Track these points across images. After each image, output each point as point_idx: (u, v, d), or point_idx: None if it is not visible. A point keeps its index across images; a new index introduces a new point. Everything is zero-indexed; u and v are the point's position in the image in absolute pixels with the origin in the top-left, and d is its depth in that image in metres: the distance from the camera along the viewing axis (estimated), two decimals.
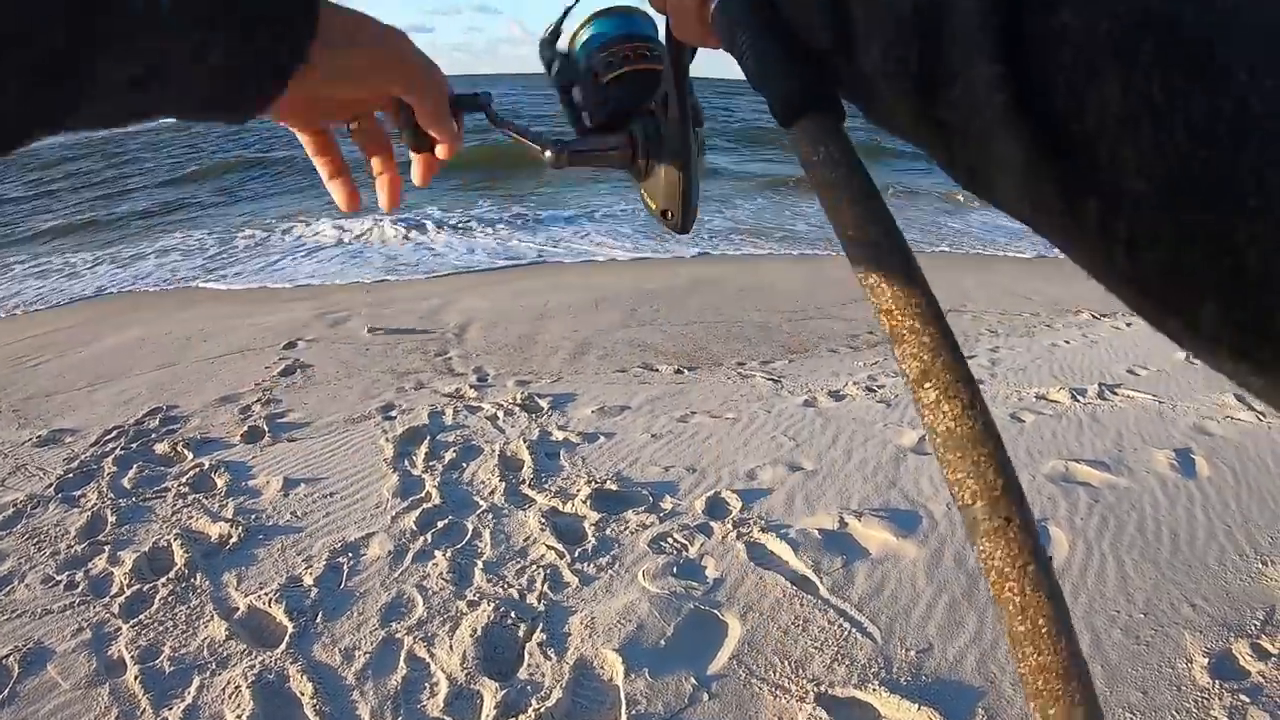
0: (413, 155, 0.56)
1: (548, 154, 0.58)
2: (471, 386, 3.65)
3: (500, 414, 3.24)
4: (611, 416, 3.22)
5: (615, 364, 4.05)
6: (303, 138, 0.55)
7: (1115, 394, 3.58)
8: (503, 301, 5.40)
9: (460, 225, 8.55)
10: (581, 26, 0.61)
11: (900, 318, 0.29)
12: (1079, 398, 3.49)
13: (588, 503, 2.48)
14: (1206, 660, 1.90)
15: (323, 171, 0.57)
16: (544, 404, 3.36)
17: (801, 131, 0.34)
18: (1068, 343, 4.54)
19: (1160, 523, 2.46)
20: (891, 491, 2.57)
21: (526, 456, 2.81)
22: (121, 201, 11.59)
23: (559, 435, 3.01)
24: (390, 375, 3.87)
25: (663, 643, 1.89)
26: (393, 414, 3.27)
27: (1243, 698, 1.81)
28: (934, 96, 0.27)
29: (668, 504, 2.50)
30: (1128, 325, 5.11)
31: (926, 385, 0.28)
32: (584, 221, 8.92)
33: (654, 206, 0.61)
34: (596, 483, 2.61)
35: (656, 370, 3.93)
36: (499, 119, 0.59)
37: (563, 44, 0.63)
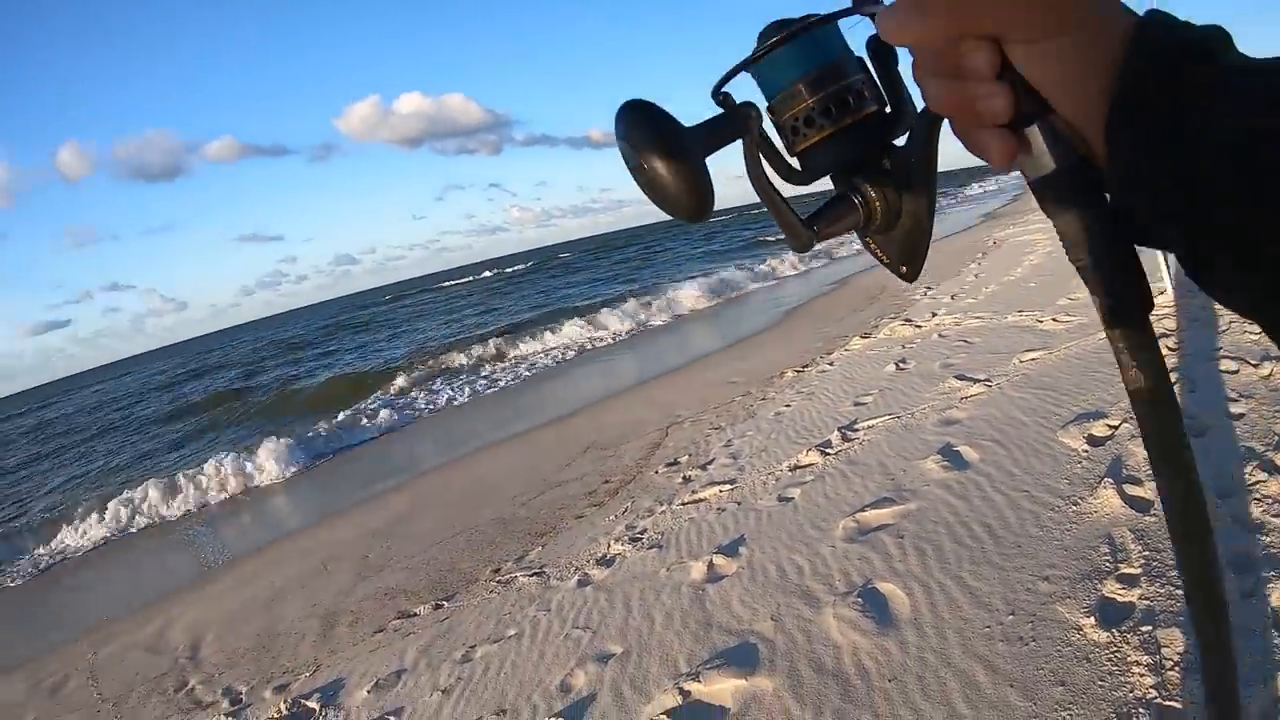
0: None
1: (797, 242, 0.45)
2: (226, 715, 2.84)
3: None
4: (390, 689, 2.64)
5: (370, 625, 3.40)
6: None
7: (857, 431, 3.62)
8: (227, 600, 4.42)
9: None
10: (753, 64, 0.44)
11: None
12: (828, 451, 3.47)
13: None
14: (1092, 618, 1.80)
15: None
16: (313, 704, 2.72)
17: None
18: (788, 406, 4.56)
19: (968, 522, 2.39)
20: (712, 633, 2.27)
21: None
22: None
23: None
24: None
25: None
26: None
27: (1145, 628, 1.72)
28: None
29: None
30: (830, 365, 5.33)
31: None
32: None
33: (886, 260, 0.50)
34: None
35: (415, 614, 3.35)
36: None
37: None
